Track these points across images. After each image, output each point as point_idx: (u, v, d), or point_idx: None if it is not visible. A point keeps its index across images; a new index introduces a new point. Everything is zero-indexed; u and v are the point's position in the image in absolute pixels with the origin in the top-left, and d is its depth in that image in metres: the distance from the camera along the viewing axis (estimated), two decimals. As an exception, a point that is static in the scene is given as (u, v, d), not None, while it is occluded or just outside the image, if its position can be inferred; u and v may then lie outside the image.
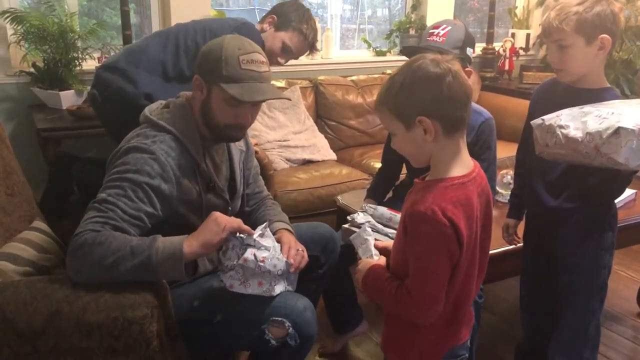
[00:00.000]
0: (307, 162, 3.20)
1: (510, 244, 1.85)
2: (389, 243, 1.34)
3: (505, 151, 2.66)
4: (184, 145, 1.49)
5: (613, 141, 1.27)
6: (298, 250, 1.54)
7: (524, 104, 1.74)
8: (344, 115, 3.58)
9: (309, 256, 1.66)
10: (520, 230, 1.82)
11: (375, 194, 2.14)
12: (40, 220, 1.76)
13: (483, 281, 1.72)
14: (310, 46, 2.31)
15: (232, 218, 1.42)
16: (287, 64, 3.68)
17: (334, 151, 3.38)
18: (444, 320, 1.21)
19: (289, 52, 2.28)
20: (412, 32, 4.00)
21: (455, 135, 1.14)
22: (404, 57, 4.04)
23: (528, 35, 4.34)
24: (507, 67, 4.25)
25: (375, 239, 1.37)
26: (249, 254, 1.40)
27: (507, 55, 4.23)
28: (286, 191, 2.80)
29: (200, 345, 1.49)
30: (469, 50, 1.85)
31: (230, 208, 1.65)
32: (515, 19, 4.50)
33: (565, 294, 1.66)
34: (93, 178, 1.59)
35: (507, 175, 2.33)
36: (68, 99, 2.86)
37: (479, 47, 4.25)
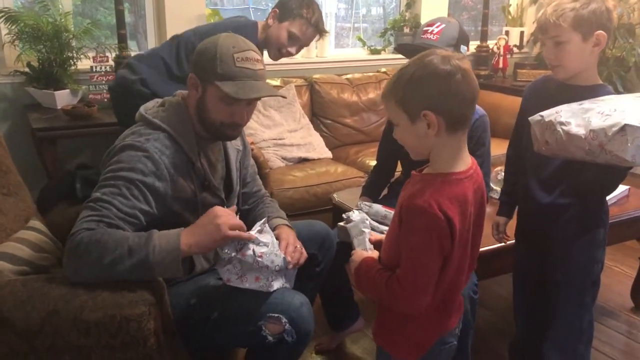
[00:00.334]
0: (303, 161, 3.21)
1: (500, 242, 1.86)
2: (381, 237, 1.36)
3: (500, 148, 2.66)
4: (178, 143, 1.50)
5: (619, 138, 1.25)
6: (296, 247, 1.55)
7: (518, 102, 1.75)
8: (339, 114, 3.58)
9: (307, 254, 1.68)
10: (511, 228, 1.83)
11: (371, 192, 2.14)
12: (37, 219, 1.76)
13: (478, 277, 1.76)
14: (315, 28, 2.32)
15: (234, 221, 1.41)
16: (281, 62, 3.70)
17: (329, 149, 3.39)
18: (433, 309, 1.23)
19: (295, 40, 2.31)
20: (406, 30, 4.01)
21: (457, 133, 1.17)
22: (399, 55, 4.06)
23: (522, 33, 4.36)
24: (501, 65, 4.27)
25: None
26: (248, 248, 1.41)
27: (501, 52, 4.25)
28: (282, 189, 2.81)
29: (198, 342, 1.50)
30: (462, 48, 1.86)
31: (226, 207, 1.66)
32: (509, 17, 4.52)
33: (558, 290, 1.67)
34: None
35: (501, 172, 2.34)
36: (63, 98, 2.86)
37: (473, 44, 4.26)
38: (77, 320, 1.26)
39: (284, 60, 3.79)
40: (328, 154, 3.34)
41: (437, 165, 1.19)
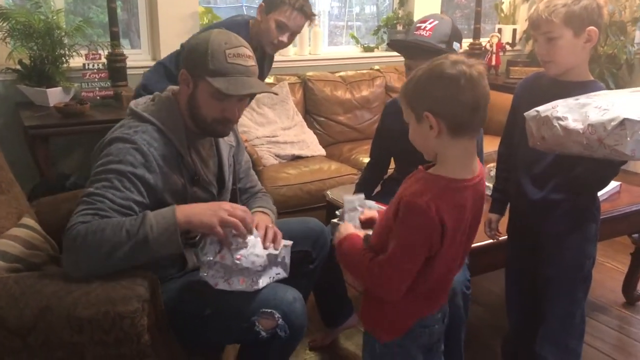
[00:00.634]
0: (296, 158, 3.21)
1: (492, 239, 1.86)
2: (374, 214, 1.38)
3: (492, 145, 2.66)
4: (167, 136, 1.50)
5: (618, 132, 1.25)
6: (267, 227, 1.54)
7: (510, 99, 1.76)
8: (332, 111, 3.59)
9: (300, 251, 1.68)
10: (502, 224, 1.84)
11: (364, 189, 2.14)
12: (29, 217, 1.76)
13: (470, 273, 1.77)
14: (301, 12, 2.31)
15: (233, 216, 1.40)
16: (278, 59, 3.70)
17: (322, 147, 3.39)
18: (417, 295, 1.26)
19: (284, 28, 2.31)
20: (399, 28, 4.03)
21: (460, 138, 1.18)
22: (392, 53, 4.09)
23: (514, 31, 4.37)
24: (494, 63, 4.28)
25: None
26: (225, 251, 1.41)
27: (494, 50, 4.26)
28: (275, 187, 2.81)
29: (191, 338, 1.50)
30: (455, 45, 1.87)
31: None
32: (502, 15, 4.53)
33: (550, 285, 1.68)
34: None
35: (492, 169, 2.36)
36: (55, 96, 2.84)
37: (466, 42, 4.28)
38: (71, 317, 1.26)
39: (277, 57, 3.80)
40: (321, 152, 3.35)
41: (442, 168, 1.21)
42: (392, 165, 2.19)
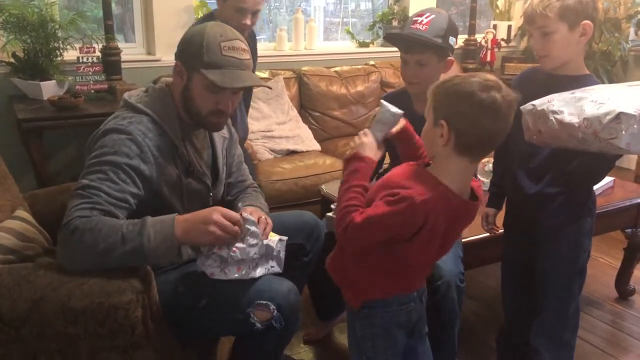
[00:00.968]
0: (291, 153, 3.21)
1: (489, 233, 1.87)
2: (404, 125, 1.39)
3: (487, 140, 2.69)
4: (161, 127, 1.49)
5: (613, 126, 1.26)
6: (260, 218, 1.54)
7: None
8: (327, 106, 3.59)
9: (294, 244, 1.68)
10: (500, 218, 1.85)
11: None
12: (23, 209, 1.75)
13: (465, 267, 1.78)
14: None
15: (226, 230, 1.39)
16: (270, 54, 3.70)
17: (318, 142, 3.39)
18: (392, 276, 1.33)
19: (243, 10, 2.28)
20: (394, 23, 4.03)
21: (462, 157, 1.22)
22: (387, 48, 4.08)
23: (509, 27, 4.38)
24: (488, 59, 4.29)
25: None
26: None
27: (489, 46, 4.27)
28: (270, 181, 2.81)
29: (186, 330, 1.49)
30: (451, 40, 1.86)
31: (211, 194, 1.66)
32: (497, 11, 4.54)
33: (545, 278, 1.69)
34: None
35: (488, 164, 2.37)
36: (49, 89, 2.83)
37: (461, 38, 4.29)
38: (64, 308, 1.25)
39: (272, 52, 3.81)
40: (316, 147, 3.34)
41: (438, 171, 1.24)
42: (387, 160, 2.19)
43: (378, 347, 1.38)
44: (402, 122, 1.39)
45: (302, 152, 3.23)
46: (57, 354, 1.31)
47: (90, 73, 2.90)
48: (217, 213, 1.38)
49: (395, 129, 1.38)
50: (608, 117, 1.26)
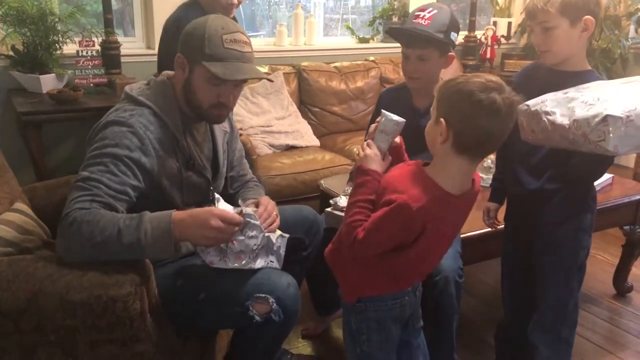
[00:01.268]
0: (291, 148, 3.21)
1: (491, 227, 1.87)
2: (400, 146, 1.41)
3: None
4: (162, 120, 1.49)
5: (601, 129, 1.26)
6: (271, 214, 1.57)
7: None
8: (327, 102, 3.58)
9: (293, 238, 1.68)
10: (500, 213, 1.85)
11: (358, 178, 2.15)
12: (22, 202, 1.75)
13: (463, 262, 1.78)
14: None
15: (224, 233, 1.38)
16: (270, 49, 3.69)
17: (317, 137, 3.39)
18: (392, 277, 1.35)
19: None
20: (394, 19, 4.02)
21: (460, 156, 1.22)
22: (387, 44, 4.07)
23: (509, 24, 4.38)
24: (488, 55, 4.29)
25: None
26: None
27: (489, 43, 4.27)
28: (269, 176, 2.81)
29: (185, 323, 1.50)
30: (453, 35, 1.86)
31: (212, 187, 1.66)
32: (497, 8, 4.53)
33: (545, 274, 1.69)
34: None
35: (487, 160, 2.37)
36: (48, 82, 2.82)
37: (461, 35, 4.28)
38: (63, 301, 1.25)
39: (272, 47, 3.81)
40: (316, 142, 3.34)
41: (439, 175, 1.25)
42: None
43: (373, 340, 1.40)
44: (398, 140, 1.40)
45: (301, 147, 3.23)
46: (55, 346, 1.31)
47: (90, 67, 2.89)
48: (215, 218, 1.35)
49: (398, 139, 1.39)
50: (596, 120, 1.27)
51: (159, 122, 1.48)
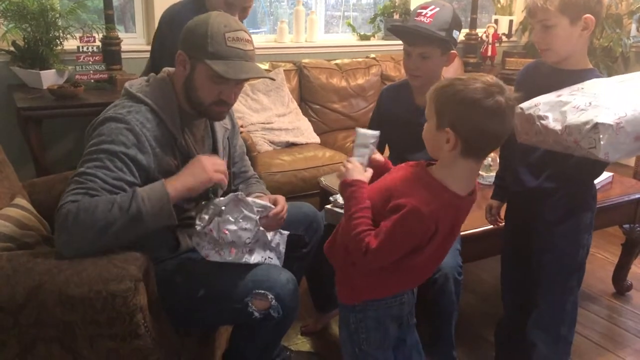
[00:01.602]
0: (291, 145, 3.21)
1: (493, 224, 1.88)
2: (382, 161, 1.41)
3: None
4: (160, 117, 1.49)
5: (592, 136, 1.26)
6: (282, 217, 1.59)
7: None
8: (327, 99, 3.58)
9: (293, 235, 1.69)
10: (502, 211, 1.85)
11: (358, 175, 2.15)
12: (22, 197, 1.75)
13: (463, 260, 1.78)
14: None
15: (218, 163, 1.46)
16: (270, 46, 3.68)
17: (317, 134, 3.39)
18: (396, 280, 1.35)
19: (232, 5, 2.20)
20: (396, 16, 4.01)
21: (469, 159, 1.23)
22: (388, 41, 4.06)
23: (511, 22, 4.37)
24: (489, 53, 4.29)
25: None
26: (214, 224, 1.43)
27: (490, 41, 4.27)
28: (270, 173, 2.81)
29: (184, 319, 1.50)
30: (455, 33, 1.86)
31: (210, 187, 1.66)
32: (499, 6, 4.53)
33: (544, 272, 1.69)
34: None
35: (488, 158, 2.37)
36: (49, 78, 2.82)
37: (463, 32, 4.27)
38: (63, 296, 1.26)
39: (273, 44, 3.80)
40: (316, 139, 3.34)
41: (446, 177, 1.25)
42: (387, 153, 2.19)
43: (371, 339, 1.39)
44: (381, 158, 1.42)
45: (302, 144, 3.23)
46: (55, 341, 1.31)
47: (90, 62, 2.89)
48: (202, 157, 1.47)
49: (379, 157, 1.41)
50: (587, 127, 1.28)
51: (156, 120, 1.48)
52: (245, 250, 1.47)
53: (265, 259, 1.51)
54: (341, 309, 1.45)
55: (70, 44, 2.92)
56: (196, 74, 1.50)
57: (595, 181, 2.38)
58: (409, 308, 1.43)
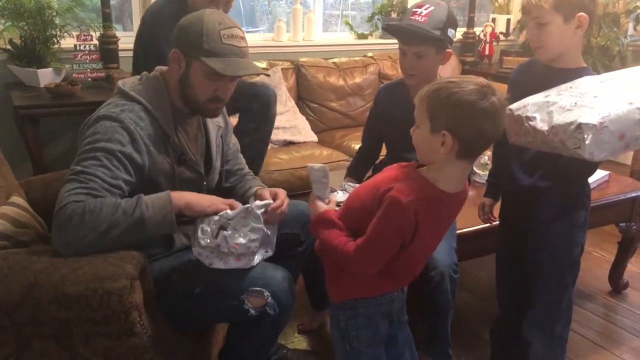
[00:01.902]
0: (288, 144, 3.21)
1: (486, 223, 1.88)
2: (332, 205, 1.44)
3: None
4: (153, 116, 1.49)
5: (577, 136, 1.28)
6: (284, 212, 1.60)
7: (503, 88, 1.75)
8: (325, 97, 3.58)
9: (289, 233, 1.69)
10: (496, 210, 1.85)
11: (355, 173, 2.15)
12: (18, 195, 1.75)
13: (459, 258, 1.79)
14: None
15: (226, 201, 1.48)
16: (268, 44, 3.68)
17: (315, 133, 3.39)
18: (383, 276, 1.34)
19: (214, 1, 2.22)
20: (393, 15, 4.01)
21: (464, 160, 1.25)
22: (386, 40, 4.06)
23: (508, 21, 4.37)
24: (487, 52, 4.29)
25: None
26: (221, 238, 1.42)
27: (488, 40, 4.27)
28: (267, 171, 2.81)
29: (180, 317, 1.50)
30: (450, 32, 1.86)
31: (205, 182, 1.66)
32: (496, 4, 4.53)
33: (539, 271, 1.69)
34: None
35: (483, 156, 2.37)
36: (46, 76, 2.82)
37: (460, 31, 4.28)
38: (58, 294, 1.26)
39: (270, 42, 3.80)
40: (314, 138, 3.34)
41: (436, 177, 1.27)
42: (384, 152, 2.19)
43: (362, 336, 1.40)
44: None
45: (299, 143, 3.23)
46: (51, 339, 1.31)
47: (88, 61, 2.88)
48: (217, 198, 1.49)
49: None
50: (571, 127, 1.29)
51: (149, 118, 1.49)
52: (251, 257, 1.47)
53: (263, 255, 1.51)
54: (332, 308, 1.46)
55: (68, 42, 2.91)
56: (192, 71, 1.50)
57: (592, 180, 2.40)
58: (399, 305, 1.44)
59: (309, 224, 1.40)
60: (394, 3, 4.06)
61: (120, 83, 1.55)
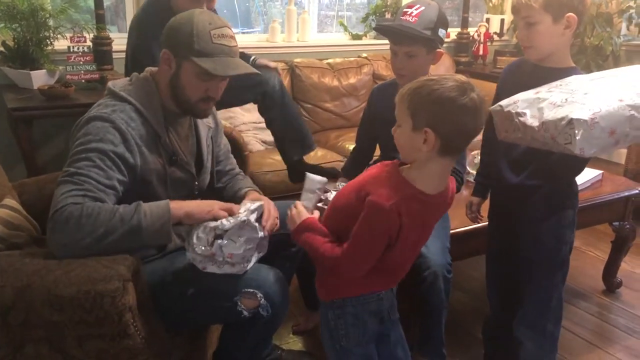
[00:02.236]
0: (283, 145, 3.20)
1: (473, 222, 1.89)
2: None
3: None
4: (144, 116, 1.50)
5: (567, 131, 1.28)
6: (275, 219, 1.59)
7: (498, 88, 1.77)
8: (320, 98, 3.58)
9: (283, 234, 1.69)
10: (485, 210, 1.86)
11: (349, 173, 2.15)
12: (11, 198, 1.74)
13: (452, 258, 1.79)
14: None
15: (227, 206, 1.46)
16: (262, 45, 3.68)
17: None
18: (371, 275, 1.35)
19: None
20: (388, 15, 4.02)
21: (445, 157, 1.26)
22: (380, 41, 4.07)
23: (502, 21, 4.39)
24: (481, 52, 4.30)
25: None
26: (217, 247, 1.42)
27: (482, 40, 4.28)
28: (261, 172, 2.81)
29: (173, 318, 1.50)
30: (441, 32, 1.86)
31: (196, 183, 1.66)
32: (490, 5, 4.54)
33: (528, 269, 1.70)
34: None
35: (477, 156, 2.38)
36: (39, 78, 2.81)
37: (454, 31, 4.29)
38: (51, 296, 1.26)
39: (265, 43, 3.80)
40: (308, 138, 3.33)
41: (417, 177, 1.27)
42: (377, 152, 2.20)
43: (351, 335, 1.41)
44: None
45: (294, 143, 3.22)
46: (44, 341, 1.31)
47: (81, 63, 2.88)
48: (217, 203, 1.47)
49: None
50: (562, 123, 1.30)
51: (140, 119, 1.49)
52: (246, 264, 1.47)
53: (256, 256, 1.51)
54: (321, 307, 1.47)
55: (61, 44, 2.91)
56: (182, 72, 1.50)
57: (585, 179, 2.42)
58: (388, 303, 1.44)
59: (291, 233, 1.39)
60: (388, 3, 4.07)
61: (110, 84, 1.55)
